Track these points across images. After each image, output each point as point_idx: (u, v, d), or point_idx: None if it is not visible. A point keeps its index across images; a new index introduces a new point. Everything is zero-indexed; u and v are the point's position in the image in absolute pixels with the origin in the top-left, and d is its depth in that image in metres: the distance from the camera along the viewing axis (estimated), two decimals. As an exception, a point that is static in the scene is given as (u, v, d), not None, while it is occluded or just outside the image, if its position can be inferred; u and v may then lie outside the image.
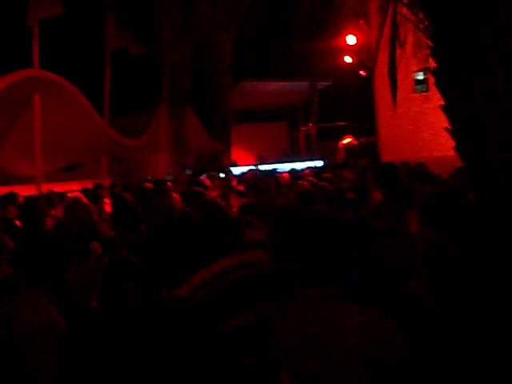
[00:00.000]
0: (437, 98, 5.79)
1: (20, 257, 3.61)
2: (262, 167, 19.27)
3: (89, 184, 12.67)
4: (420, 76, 20.58)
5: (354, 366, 2.48)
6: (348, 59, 24.22)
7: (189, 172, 20.58)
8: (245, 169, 19.83)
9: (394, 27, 6.32)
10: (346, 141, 26.46)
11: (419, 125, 19.90)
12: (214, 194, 9.64)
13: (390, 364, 2.49)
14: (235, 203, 7.65)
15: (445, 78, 5.45)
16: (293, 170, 15.47)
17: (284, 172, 15.14)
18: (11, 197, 8.32)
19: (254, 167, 18.71)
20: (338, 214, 5.95)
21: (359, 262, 2.86)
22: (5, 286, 3.66)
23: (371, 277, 3.12)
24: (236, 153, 26.69)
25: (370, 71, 21.21)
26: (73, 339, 3.16)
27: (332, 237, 2.81)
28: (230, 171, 19.31)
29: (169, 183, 10.64)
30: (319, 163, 22.80)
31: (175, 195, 7.66)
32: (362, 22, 20.75)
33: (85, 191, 10.87)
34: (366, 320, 2.58)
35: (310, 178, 10.71)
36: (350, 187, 8.64)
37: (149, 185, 10.31)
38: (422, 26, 5.78)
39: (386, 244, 4.47)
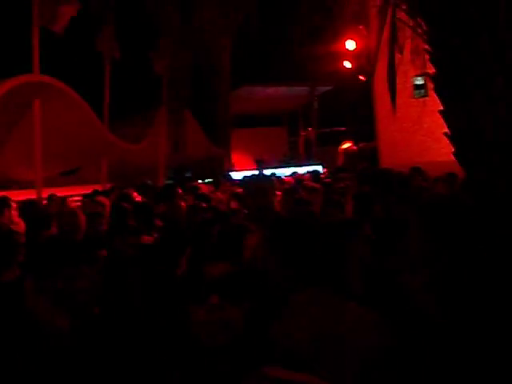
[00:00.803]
0: (436, 103, 5.82)
1: (27, 260, 3.68)
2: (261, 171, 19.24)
3: (88, 189, 12.66)
4: (419, 81, 20.59)
5: (350, 360, 2.56)
6: (347, 64, 24.24)
7: (188, 176, 20.62)
8: (244, 173, 19.84)
9: (393, 33, 6.35)
10: (346, 146, 26.49)
11: (418, 129, 19.89)
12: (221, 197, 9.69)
13: (381, 358, 2.59)
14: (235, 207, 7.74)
15: (444, 84, 5.48)
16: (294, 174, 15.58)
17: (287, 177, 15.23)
18: (4, 201, 8.26)
19: (256, 172, 18.64)
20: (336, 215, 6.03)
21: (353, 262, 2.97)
22: (13, 288, 3.70)
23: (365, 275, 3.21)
24: (235, 157, 26.71)
25: (370, 76, 21.21)
26: (77, 340, 3.20)
27: (325, 239, 2.97)
28: (230, 176, 19.31)
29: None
30: (319, 168, 22.78)
31: (182, 203, 7.74)
32: (361, 27, 20.74)
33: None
34: (362, 317, 2.69)
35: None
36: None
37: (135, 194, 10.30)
38: (420, 32, 5.81)
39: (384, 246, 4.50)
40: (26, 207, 8.19)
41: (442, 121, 5.67)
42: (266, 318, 2.86)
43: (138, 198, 9.28)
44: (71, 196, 11.79)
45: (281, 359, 2.43)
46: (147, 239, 5.72)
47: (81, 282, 3.45)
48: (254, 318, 3.05)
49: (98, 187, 13.64)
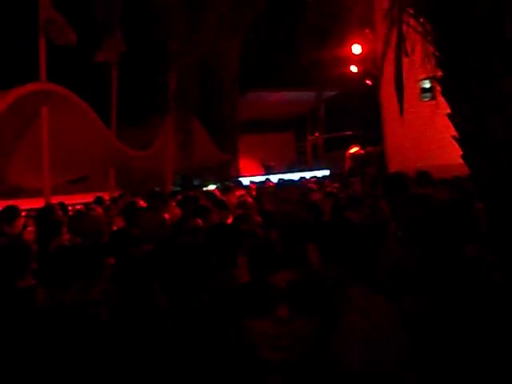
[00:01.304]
0: (444, 106, 5.81)
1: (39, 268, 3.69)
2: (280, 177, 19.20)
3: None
4: (426, 84, 20.56)
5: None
6: (354, 68, 24.25)
7: (196, 182, 20.63)
8: (252, 179, 19.89)
9: (400, 37, 6.35)
10: (353, 150, 26.45)
11: (426, 133, 19.84)
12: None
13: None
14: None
15: (451, 87, 5.46)
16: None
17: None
18: (15, 211, 8.15)
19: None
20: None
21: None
22: (27, 296, 3.72)
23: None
24: (243, 163, 26.72)
25: (376, 80, 21.20)
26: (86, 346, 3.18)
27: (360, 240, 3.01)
28: (240, 181, 19.32)
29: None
30: (326, 173, 22.80)
31: (166, 215, 7.50)
32: (367, 31, 20.75)
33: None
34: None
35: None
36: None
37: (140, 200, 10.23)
38: (428, 36, 5.81)
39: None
40: (39, 214, 8.15)
41: (450, 124, 5.65)
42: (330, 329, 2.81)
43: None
44: (79, 204, 11.83)
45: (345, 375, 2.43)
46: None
47: (92, 295, 3.43)
48: (323, 330, 2.89)
49: (106, 195, 13.67)
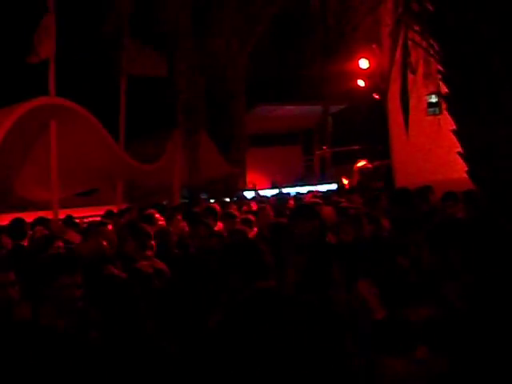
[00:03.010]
0: (451, 121, 5.83)
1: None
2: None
3: (104, 210, 12.70)
4: (433, 99, 20.53)
5: None
6: (361, 83, 24.25)
7: (204, 196, 20.64)
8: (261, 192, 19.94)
9: (406, 53, 6.38)
10: (361, 164, 26.41)
11: (433, 147, 19.76)
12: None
13: None
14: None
15: (456, 104, 5.49)
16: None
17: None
18: (21, 223, 8.04)
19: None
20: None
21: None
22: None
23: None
24: (251, 177, 26.73)
25: (383, 94, 21.19)
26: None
27: None
28: (244, 196, 19.34)
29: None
30: (333, 187, 22.80)
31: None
32: (374, 45, 20.75)
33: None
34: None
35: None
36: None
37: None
38: (433, 52, 5.84)
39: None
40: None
41: (456, 138, 5.67)
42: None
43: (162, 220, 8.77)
44: (87, 217, 11.86)
45: None
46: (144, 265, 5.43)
47: (78, 291, 3.36)
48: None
49: (114, 208, 13.68)
